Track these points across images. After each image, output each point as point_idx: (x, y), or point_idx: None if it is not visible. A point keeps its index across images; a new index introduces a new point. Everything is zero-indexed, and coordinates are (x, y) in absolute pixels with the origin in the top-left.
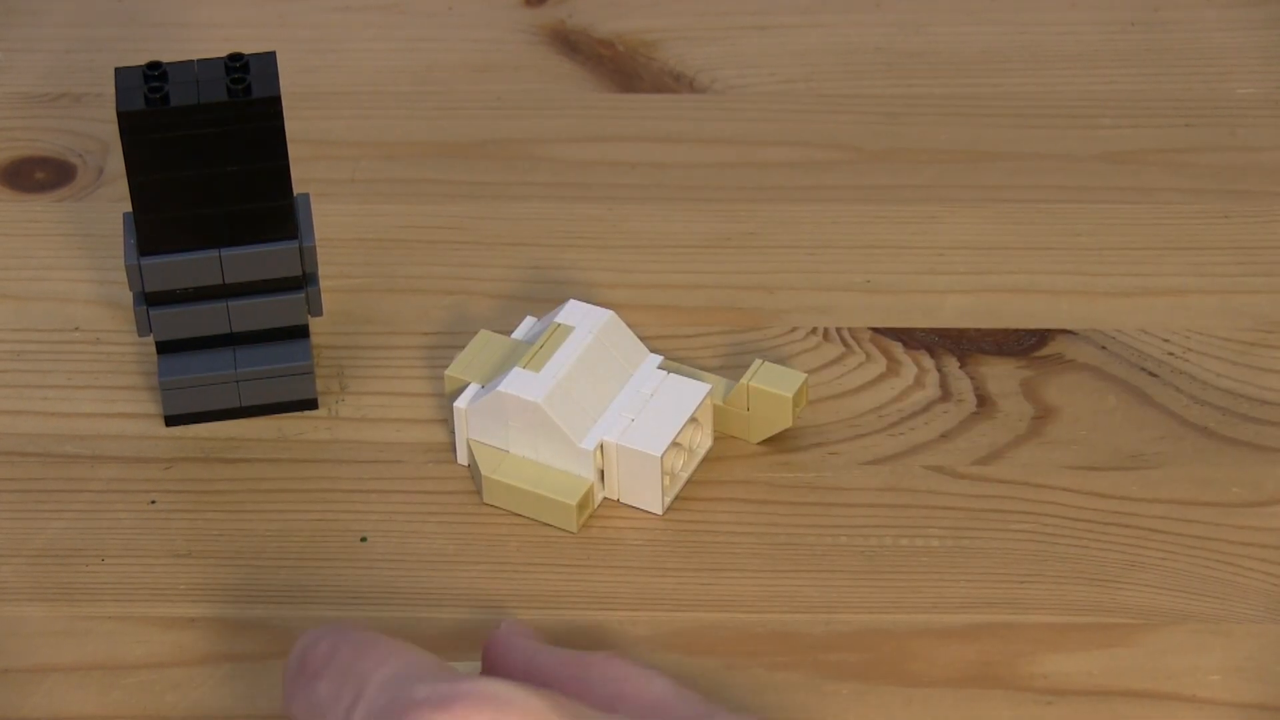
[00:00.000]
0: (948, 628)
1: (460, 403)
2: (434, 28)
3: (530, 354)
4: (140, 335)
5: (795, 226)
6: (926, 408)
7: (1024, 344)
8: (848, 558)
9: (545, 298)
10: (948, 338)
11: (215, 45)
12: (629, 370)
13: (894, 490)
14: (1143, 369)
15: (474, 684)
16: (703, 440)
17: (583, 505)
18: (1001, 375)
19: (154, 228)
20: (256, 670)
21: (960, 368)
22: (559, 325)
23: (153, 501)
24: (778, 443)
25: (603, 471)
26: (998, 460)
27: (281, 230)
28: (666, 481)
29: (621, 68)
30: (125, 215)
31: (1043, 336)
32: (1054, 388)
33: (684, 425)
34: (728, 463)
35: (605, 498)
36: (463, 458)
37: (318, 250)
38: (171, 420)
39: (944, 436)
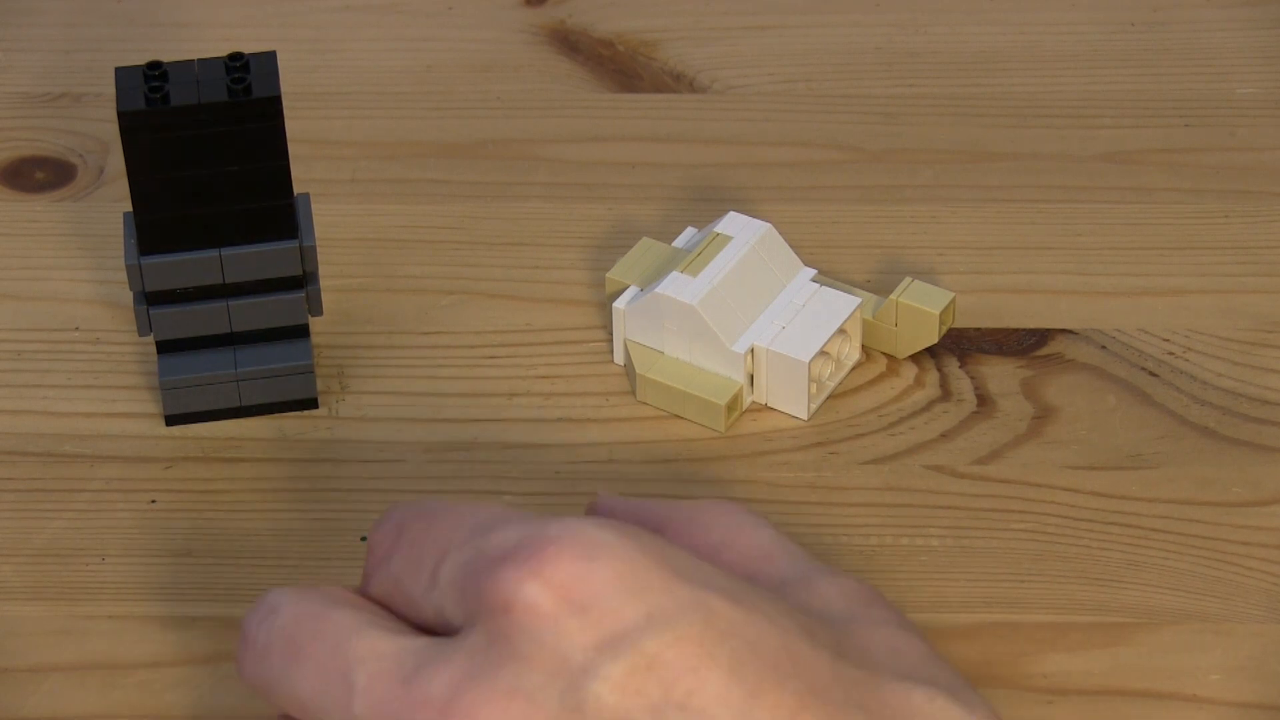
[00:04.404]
0: (948, 627)
1: (619, 303)
2: (434, 28)
3: (689, 260)
4: (140, 335)
5: (795, 226)
6: (926, 407)
7: (1024, 344)
8: (848, 557)
9: (543, 297)
10: (948, 337)
11: (215, 45)
12: (783, 281)
13: (894, 490)
14: (1143, 369)
15: (560, 525)
16: (850, 353)
17: (731, 406)
18: (1001, 375)
19: (154, 227)
20: None
21: (960, 367)
22: (718, 234)
23: (153, 501)
24: (777, 442)
25: (752, 376)
26: (998, 460)
27: (281, 230)
28: (813, 389)
29: (621, 68)
30: (125, 215)
31: (1043, 336)
32: (1054, 388)
33: (833, 335)
34: (728, 462)
35: (754, 401)
36: (619, 358)
37: (318, 250)
38: (172, 420)
39: (944, 436)
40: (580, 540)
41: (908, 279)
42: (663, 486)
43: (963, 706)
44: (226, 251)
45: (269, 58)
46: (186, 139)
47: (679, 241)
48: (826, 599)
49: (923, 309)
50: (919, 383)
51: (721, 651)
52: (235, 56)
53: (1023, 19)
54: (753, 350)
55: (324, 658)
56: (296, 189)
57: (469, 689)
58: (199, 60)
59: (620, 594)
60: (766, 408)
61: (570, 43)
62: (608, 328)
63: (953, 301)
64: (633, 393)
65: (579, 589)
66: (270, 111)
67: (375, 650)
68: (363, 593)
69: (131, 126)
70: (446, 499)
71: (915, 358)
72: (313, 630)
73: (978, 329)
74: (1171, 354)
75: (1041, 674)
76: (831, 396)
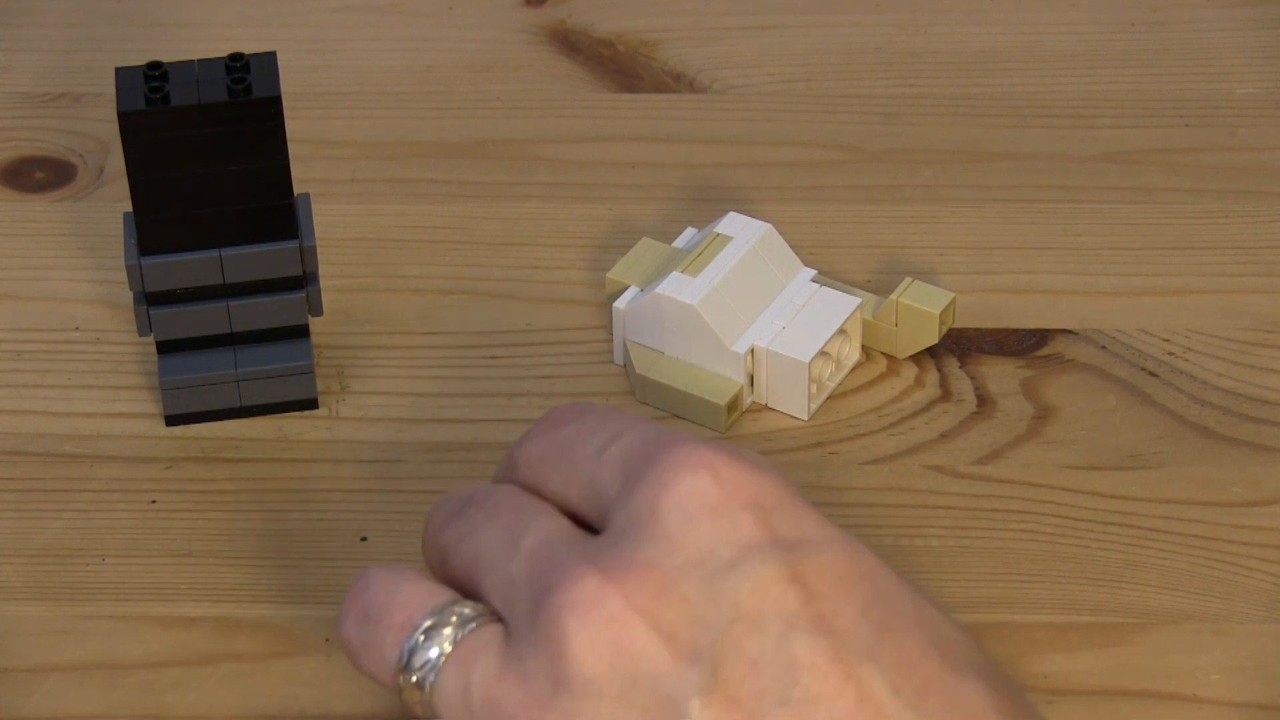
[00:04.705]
0: None
1: (619, 304)
2: (434, 28)
3: (689, 260)
4: (140, 335)
5: (795, 226)
6: (926, 407)
7: (1024, 344)
8: None
9: (543, 297)
10: (948, 337)
11: (215, 45)
12: (783, 281)
13: (894, 490)
14: (1143, 369)
15: (750, 453)
16: (850, 353)
17: (732, 407)
18: (1001, 375)
19: (154, 227)
20: (256, 670)
21: (960, 367)
22: (718, 234)
23: (153, 501)
24: (777, 442)
25: (753, 376)
26: (998, 460)
27: (281, 230)
28: (814, 389)
29: (621, 68)
30: (125, 215)
31: (1043, 336)
32: (1054, 388)
33: (833, 335)
34: None
35: (754, 401)
36: (619, 358)
37: (318, 250)
38: (172, 420)
39: (944, 436)
40: (756, 460)
41: (908, 279)
42: None
43: None
44: (226, 252)
45: (269, 58)
46: (186, 139)
47: (679, 241)
48: None
49: (923, 309)
50: (919, 383)
51: (859, 590)
52: (235, 57)
53: (1023, 19)
54: (753, 350)
55: (509, 521)
56: (296, 189)
57: (613, 559)
58: (199, 60)
59: (780, 511)
60: (766, 408)
61: (570, 43)
62: (608, 328)
63: (953, 301)
64: (633, 393)
65: (746, 493)
66: (270, 111)
67: (547, 525)
68: (514, 451)
69: (131, 127)
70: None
71: (915, 358)
72: (514, 503)
73: (978, 329)
74: (1171, 354)
75: (1041, 674)
76: (831, 396)
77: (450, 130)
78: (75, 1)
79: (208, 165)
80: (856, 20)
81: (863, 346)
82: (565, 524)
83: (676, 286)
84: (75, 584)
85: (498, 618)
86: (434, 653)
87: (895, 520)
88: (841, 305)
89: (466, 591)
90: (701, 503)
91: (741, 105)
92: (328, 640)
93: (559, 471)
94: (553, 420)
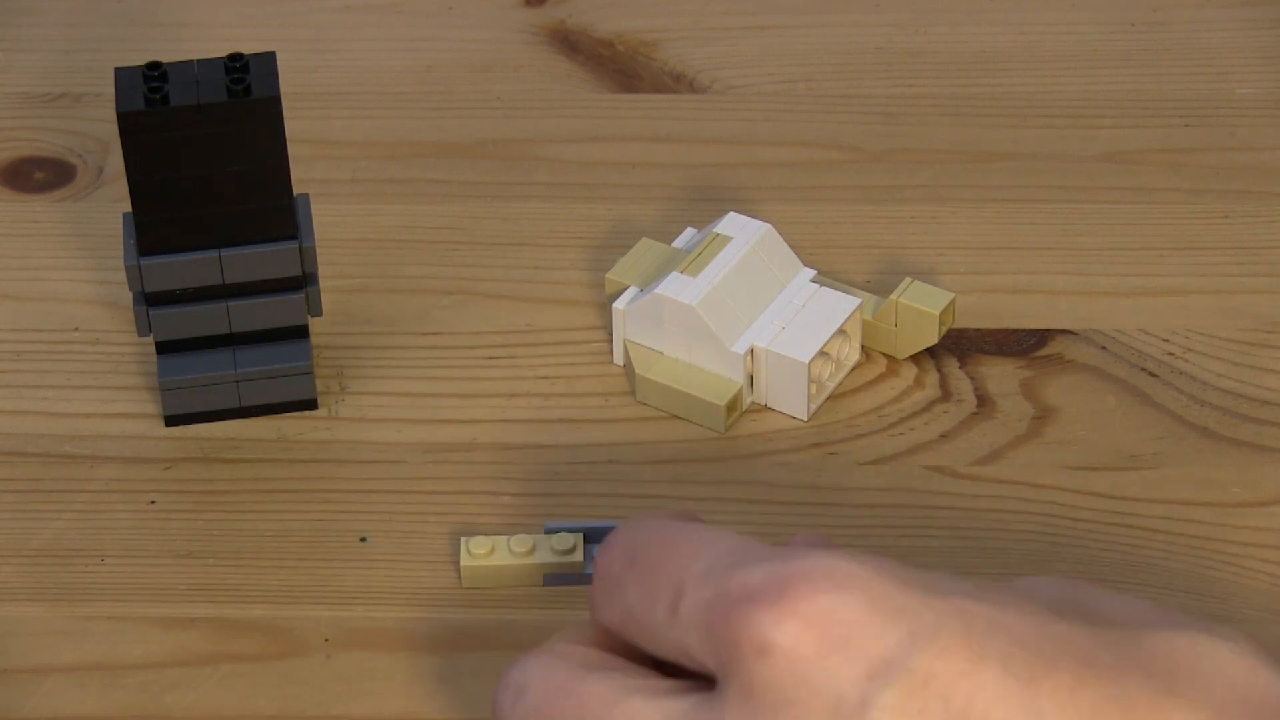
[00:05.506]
0: None
1: (619, 304)
2: (434, 28)
3: (688, 260)
4: (140, 335)
5: (795, 226)
6: (926, 408)
7: (1024, 344)
8: None
9: (543, 297)
10: (947, 337)
11: (215, 45)
12: (783, 281)
13: (894, 490)
14: (1143, 369)
15: (805, 561)
16: (850, 353)
17: (731, 407)
18: (1001, 375)
19: (154, 228)
20: (256, 670)
21: (960, 368)
22: (717, 235)
23: (153, 502)
24: (777, 442)
25: (752, 376)
26: (998, 460)
27: (281, 230)
28: (813, 389)
29: (621, 68)
30: (125, 215)
31: (1043, 336)
32: (1054, 388)
33: (833, 336)
34: (728, 463)
35: (753, 402)
36: (618, 358)
37: (318, 250)
38: (171, 420)
39: (944, 436)
40: (828, 573)
41: (907, 279)
42: (663, 487)
43: (1225, 640)
44: (226, 252)
45: (268, 58)
46: (186, 139)
47: (679, 242)
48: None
49: (922, 309)
50: (919, 383)
51: (988, 651)
52: (235, 57)
53: (1023, 19)
54: (752, 351)
55: None
56: (296, 189)
57: None
58: (198, 60)
59: (878, 619)
60: (766, 408)
61: (570, 43)
62: (608, 328)
63: (952, 302)
64: (632, 393)
65: (836, 622)
66: (270, 112)
67: None
68: (594, 619)
69: (131, 127)
70: (676, 521)
71: (915, 358)
72: (570, 709)
73: (978, 329)
74: (1171, 354)
75: None
76: (831, 397)
77: (450, 130)
78: (75, 1)
79: (207, 165)
80: (856, 20)
81: (863, 347)
82: (656, 714)
83: (676, 287)
84: (74, 584)
85: None
86: None
87: (895, 520)
88: (841, 305)
89: None
90: (804, 656)
91: (741, 105)
92: (327, 640)
93: (643, 639)
94: (608, 575)
